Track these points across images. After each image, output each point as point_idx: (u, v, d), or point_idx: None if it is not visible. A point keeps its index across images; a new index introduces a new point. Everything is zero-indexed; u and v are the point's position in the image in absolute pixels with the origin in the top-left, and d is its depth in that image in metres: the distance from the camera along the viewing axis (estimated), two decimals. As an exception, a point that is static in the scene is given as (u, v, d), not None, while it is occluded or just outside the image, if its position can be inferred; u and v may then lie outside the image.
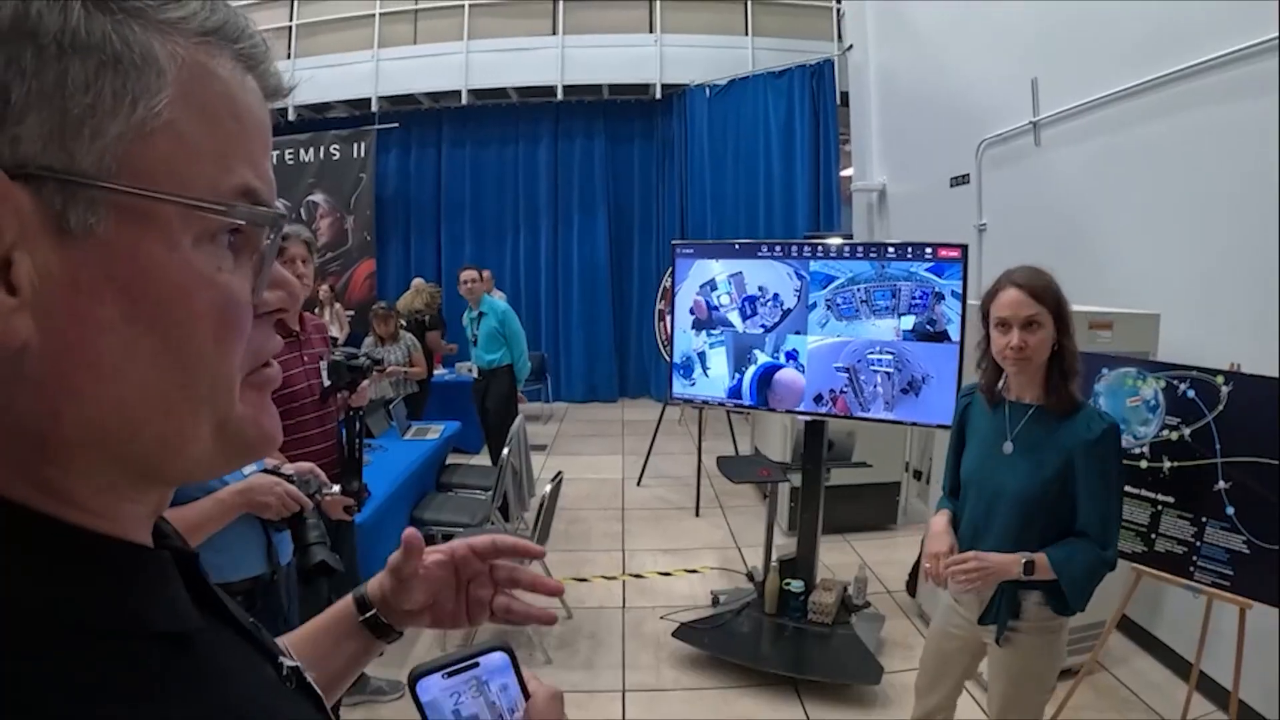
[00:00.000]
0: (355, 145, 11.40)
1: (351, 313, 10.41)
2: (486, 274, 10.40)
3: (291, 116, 11.52)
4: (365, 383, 3.47)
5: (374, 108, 11.45)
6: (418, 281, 9.64)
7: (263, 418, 0.58)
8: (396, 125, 11.56)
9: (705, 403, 4.85)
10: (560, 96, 11.35)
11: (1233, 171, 4.12)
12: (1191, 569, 3.30)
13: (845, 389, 4.29)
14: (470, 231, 12.22)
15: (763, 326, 4.49)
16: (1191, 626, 3.61)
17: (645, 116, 11.99)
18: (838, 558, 5.96)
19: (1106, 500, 2.48)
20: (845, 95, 10.21)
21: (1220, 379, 3.23)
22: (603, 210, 12.03)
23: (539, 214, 12.14)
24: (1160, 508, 3.41)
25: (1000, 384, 2.67)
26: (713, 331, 4.67)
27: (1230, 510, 3.18)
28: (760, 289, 4.48)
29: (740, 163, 10.69)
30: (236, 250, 0.54)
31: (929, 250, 4.04)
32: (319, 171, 11.52)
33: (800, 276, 4.36)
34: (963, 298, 3.95)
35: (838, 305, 4.25)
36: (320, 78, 11.27)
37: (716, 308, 4.64)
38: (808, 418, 4.54)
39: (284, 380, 3.38)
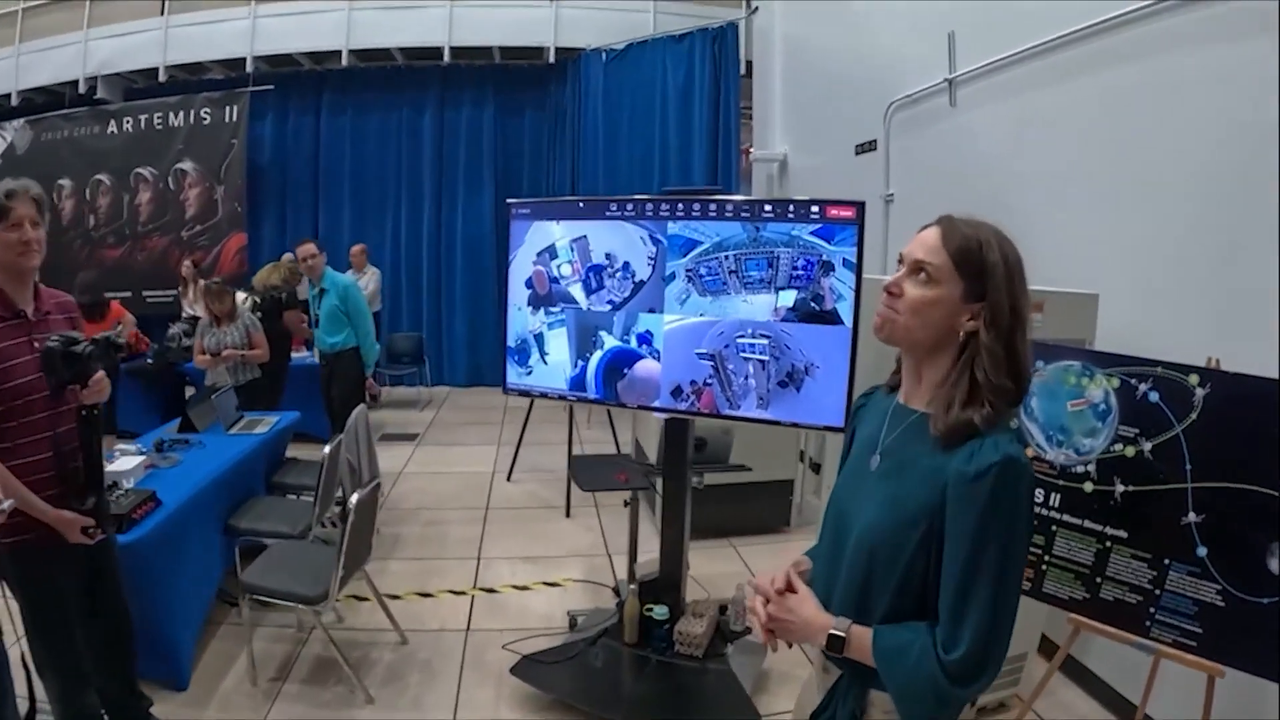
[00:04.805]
0: (227, 109, 10.07)
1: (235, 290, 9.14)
2: (357, 248, 9.42)
3: (163, 78, 10.27)
4: (99, 374, 2.69)
5: (249, 68, 10.17)
6: (287, 257, 8.46)
7: None
8: (271, 87, 10.27)
9: (543, 395, 3.82)
10: (447, 59, 10.24)
11: (1180, 131, 3.39)
12: (1148, 623, 2.46)
13: (710, 380, 3.30)
14: (350, 203, 11.01)
15: (610, 303, 3.48)
16: (1128, 657, 2.75)
17: (538, 83, 10.92)
18: (721, 566, 5.08)
19: (970, 573, 1.45)
20: (749, 66, 9.46)
21: (1194, 378, 2.36)
22: (490, 182, 10.97)
23: (422, 185, 11.03)
24: (1109, 544, 2.54)
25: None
26: (551, 309, 3.64)
27: (1202, 551, 2.35)
28: (608, 256, 3.46)
29: (635, 133, 9.77)
30: None
31: (815, 209, 3.05)
32: (189, 137, 10.15)
33: (655, 241, 3.34)
34: (857, 269, 3.00)
35: (701, 277, 3.26)
36: (193, 36, 10.13)
37: (557, 280, 3.61)
38: (664, 415, 3.55)
39: (3, 371, 2.55)
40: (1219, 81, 3.16)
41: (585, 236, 3.50)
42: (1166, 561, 2.40)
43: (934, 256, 1.53)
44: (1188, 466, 2.35)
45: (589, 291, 3.53)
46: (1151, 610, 2.43)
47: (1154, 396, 2.42)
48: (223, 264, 10.02)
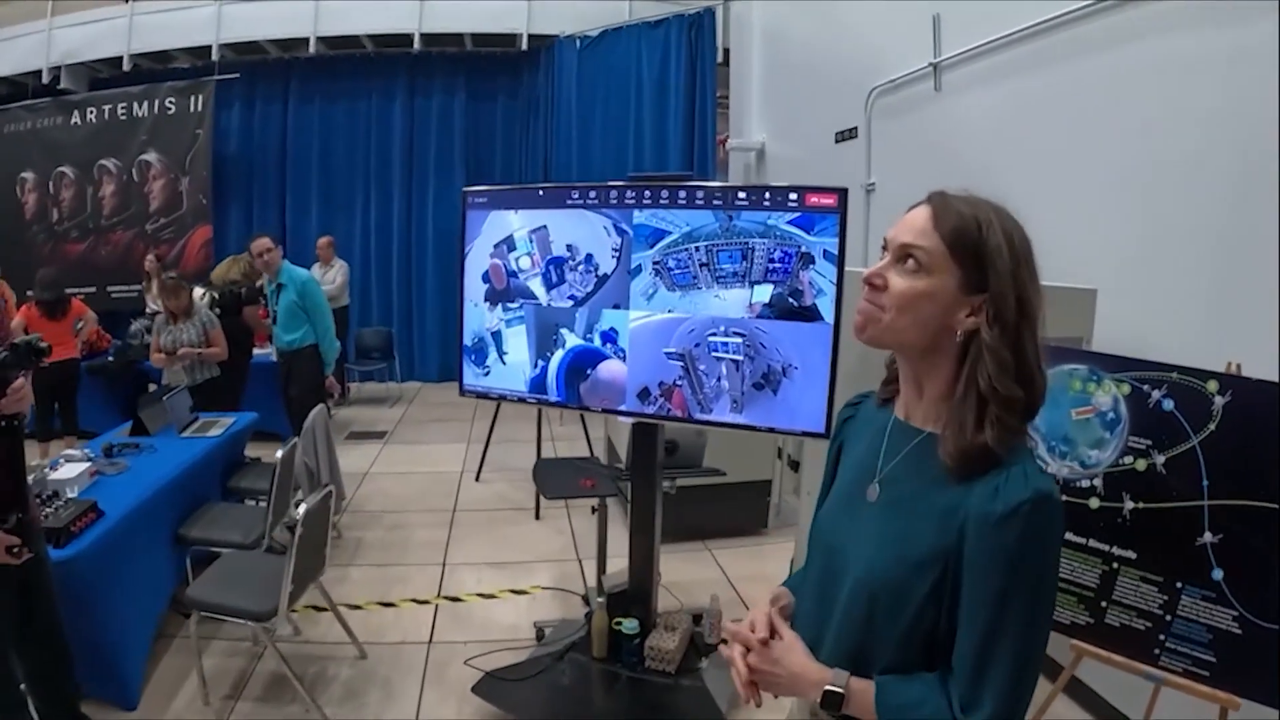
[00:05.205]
0: (192, 99, 9.67)
1: (193, 286, 8.78)
2: (324, 241, 9.07)
3: (127, 67, 9.87)
4: (18, 382, 2.56)
5: (215, 56, 9.78)
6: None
7: None
8: (237, 76, 9.88)
9: (502, 397, 3.52)
10: (418, 46, 9.87)
11: (1182, 117, 3.13)
12: (1157, 651, 2.21)
13: (680, 381, 3.02)
14: (318, 195, 10.62)
15: (572, 298, 3.18)
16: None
17: (510, 71, 10.56)
18: (696, 571, 4.82)
19: (994, 627, 1.20)
20: (726, 53, 9.15)
21: (1213, 385, 2.10)
22: (461, 173, 10.51)
23: (392, 176, 10.64)
24: (1116, 566, 2.27)
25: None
26: (510, 305, 3.34)
27: (1218, 574, 2.10)
28: (569, 248, 3.15)
29: (610, 122, 9.48)
30: None
31: (793, 196, 2.77)
32: (153, 128, 9.74)
33: (620, 231, 3.04)
34: (839, 262, 2.71)
35: (669, 270, 2.96)
36: (158, 24, 9.76)
37: (515, 274, 3.31)
38: (631, 419, 3.27)
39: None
40: (1222, 65, 2.92)
41: (545, 226, 3.20)
42: (1179, 585, 2.16)
43: (924, 240, 1.26)
44: (1204, 482, 2.11)
45: (549, 286, 3.23)
46: (1161, 637, 2.20)
47: (1168, 405, 2.16)
48: (187, 258, 9.64)
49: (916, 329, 1.27)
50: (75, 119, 9.90)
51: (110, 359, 7.59)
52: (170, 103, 9.72)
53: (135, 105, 9.82)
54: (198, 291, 6.53)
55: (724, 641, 3.26)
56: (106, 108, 9.85)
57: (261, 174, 10.64)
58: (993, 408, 1.21)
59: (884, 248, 1.32)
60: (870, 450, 1.41)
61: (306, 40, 9.79)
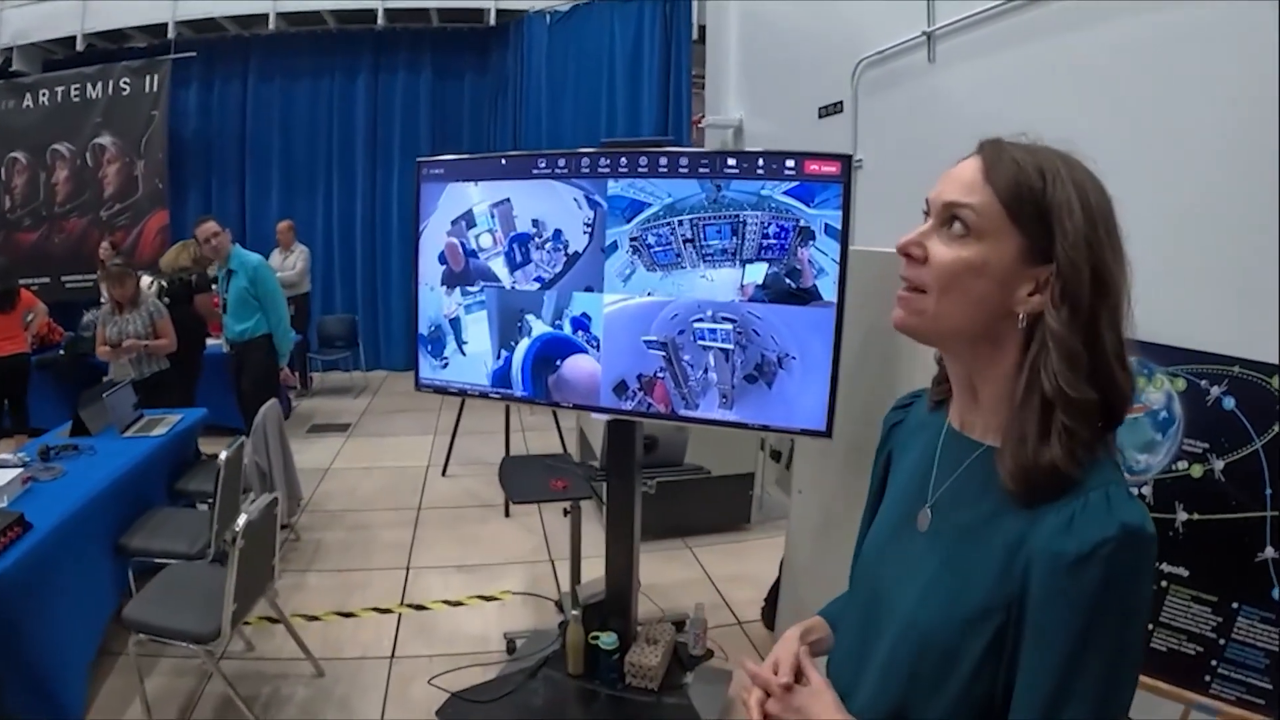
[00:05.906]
0: (147, 79, 9.23)
1: (140, 274, 8.40)
2: (284, 225, 8.76)
3: (80, 47, 9.38)
4: None
5: (171, 34, 9.33)
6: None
7: None
8: (194, 55, 9.45)
9: (462, 392, 3.18)
10: (382, 22, 9.49)
11: (1207, 88, 2.78)
12: (1208, 678, 1.93)
13: (662, 373, 2.70)
14: (278, 177, 10.21)
15: (538, 280, 2.86)
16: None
17: (478, 48, 10.19)
18: (677, 572, 4.54)
19: (1066, 689, 0.90)
20: (702, 31, 8.77)
21: (1279, 381, 1.80)
22: (426, 153, 9.91)
23: (355, 157, 10.26)
24: (1166, 584, 1.98)
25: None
26: (469, 289, 3.01)
27: (1278, 594, 1.82)
28: (535, 224, 2.83)
29: (581, 100, 9.17)
30: None
31: (790, 164, 2.46)
32: (107, 109, 9.31)
33: (593, 204, 2.71)
34: (842, 237, 2.42)
35: (649, 247, 2.65)
36: (113, 2, 9.30)
37: (474, 253, 2.97)
38: (607, 416, 2.96)
39: None
40: (1258, 31, 2.57)
41: (508, 200, 2.87)
42: (1235, 605, 1.89)
43: (973, 195, 0.99)
44: (1268, 491, 1.83)
45: (513, 267, 2.90)
46: (1214, 663, 1.92)
47: (1229, 403, 1.88)
48: (144, 245, 9.19)
49: (965, 312, 0.98)
50: (28, 101, 9.44)
51: (60, 352, 7.17)
52: (125, 83, 9.27)
53: (89, 86, 9.37)
54: (145, 280, 6.14)
55: (709, 654, 3.00)
56: (60, 89, 9.39)
57: (220, 156, 10.23)
58: (1059, 415, 0.92)
59: (926, 211, 1.04)
60: (921, 466, 1.12)
61: (266, 17, 9.36)
